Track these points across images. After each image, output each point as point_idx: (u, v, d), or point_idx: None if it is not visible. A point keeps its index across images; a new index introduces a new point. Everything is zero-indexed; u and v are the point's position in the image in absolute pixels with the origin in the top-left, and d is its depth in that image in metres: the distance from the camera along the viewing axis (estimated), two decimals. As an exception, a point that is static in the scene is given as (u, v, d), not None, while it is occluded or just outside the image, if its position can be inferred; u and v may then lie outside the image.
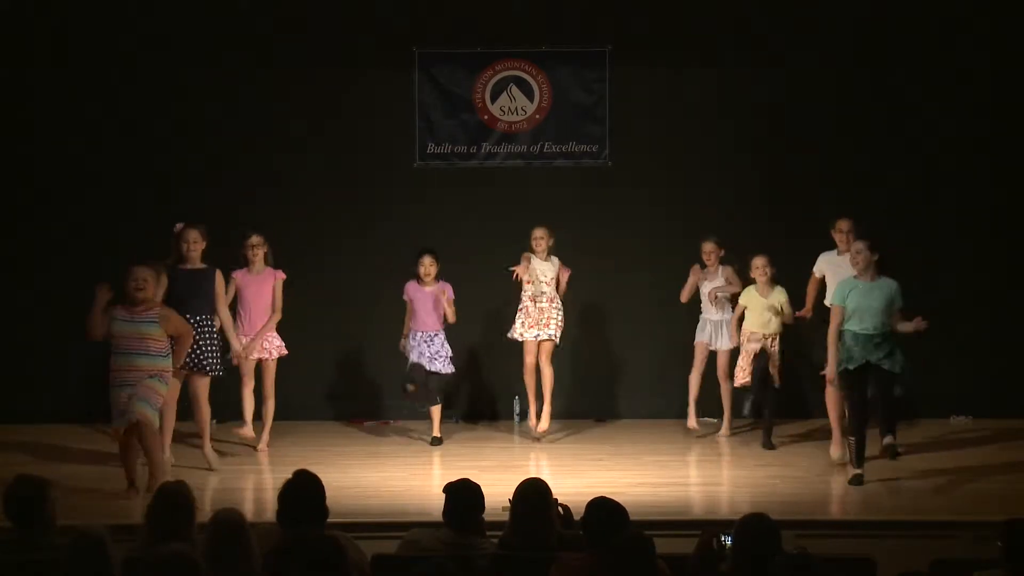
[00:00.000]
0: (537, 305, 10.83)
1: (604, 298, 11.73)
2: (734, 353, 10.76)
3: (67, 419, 11.33)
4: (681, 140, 11.90)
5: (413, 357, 10.68)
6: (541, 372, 10.90)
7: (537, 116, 12.03)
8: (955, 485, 9.16)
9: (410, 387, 10.69)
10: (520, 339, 10.87)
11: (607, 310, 11.82)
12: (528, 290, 10.83)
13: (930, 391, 11.35)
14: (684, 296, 10.97)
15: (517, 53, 12.01)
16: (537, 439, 10.88)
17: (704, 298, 10.92)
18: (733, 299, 10.79)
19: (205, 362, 9.72)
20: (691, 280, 10.92)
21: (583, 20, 11.86)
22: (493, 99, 12.01)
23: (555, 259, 10.91)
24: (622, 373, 12.05)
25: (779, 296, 10.49)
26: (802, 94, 11.83)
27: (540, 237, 10.85)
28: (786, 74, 11.81)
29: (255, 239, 10.36)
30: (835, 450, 9.92)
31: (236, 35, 11.76)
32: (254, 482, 9.62)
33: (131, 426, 8.80)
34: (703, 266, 10.92)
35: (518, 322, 10.87)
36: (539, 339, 10.82)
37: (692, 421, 10.97)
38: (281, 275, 10.42)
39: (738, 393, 10.85)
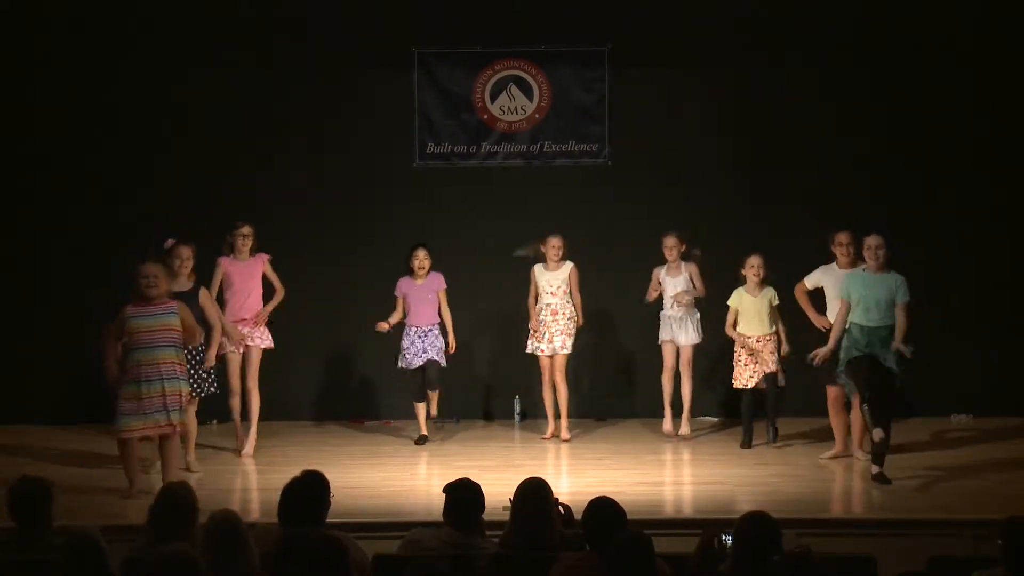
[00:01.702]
0: (540, 318, 10.88)
1: (604, 297, 11.71)
2: (697, 348, 10.88)
3: (66, 420, 11.33)
4: (681, 139, 11.90)
5: (416, 361, 10.71)
6: (556, 387, 10.97)
7: (537, 115, 12.03)
8: (956, 484, 9.16)
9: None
10: (528, 351, 10.96)
11: (607, 309, 11.81)
12: (538, 301, 10.90)
13: (931, 389, 11.36)
14: (651, 297, 10.98)
15: (516, 52, 12.01)
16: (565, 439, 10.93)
17: (665, 296, 10.93)
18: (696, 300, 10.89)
19: (197, 387, 9.72)
20: (653, 281, 10.95)
21: (582, 19, 11.86)
22: (493, 99, 12.02)
23: (568, 264, 10.93)
24: (622, 372, 12.06)
25: (769, 295, 10.49)
26: (802, 94, 11.82)
27: (557, 246, 10.83)
28: (786, 74, 11.81)
29: (247, 229, 10.31)
30: (835, 451, 10.00)
31: (236, 35, 11.76)
32: (257, 482, 9.61)
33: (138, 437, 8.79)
34: (665, 261, 10.92)
35: (530, 335, 10.95)
36: (545, 354, 10.88)
37: (668, 424, 10.98)
38: (266, 256, 10.40)
39: (734, 394, 10.85)
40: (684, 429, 10.97)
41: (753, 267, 10.48)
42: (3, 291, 11.71)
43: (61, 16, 11.71)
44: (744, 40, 11.75)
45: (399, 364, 10.84)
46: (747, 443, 10.49)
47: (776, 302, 10.48)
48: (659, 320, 10.97)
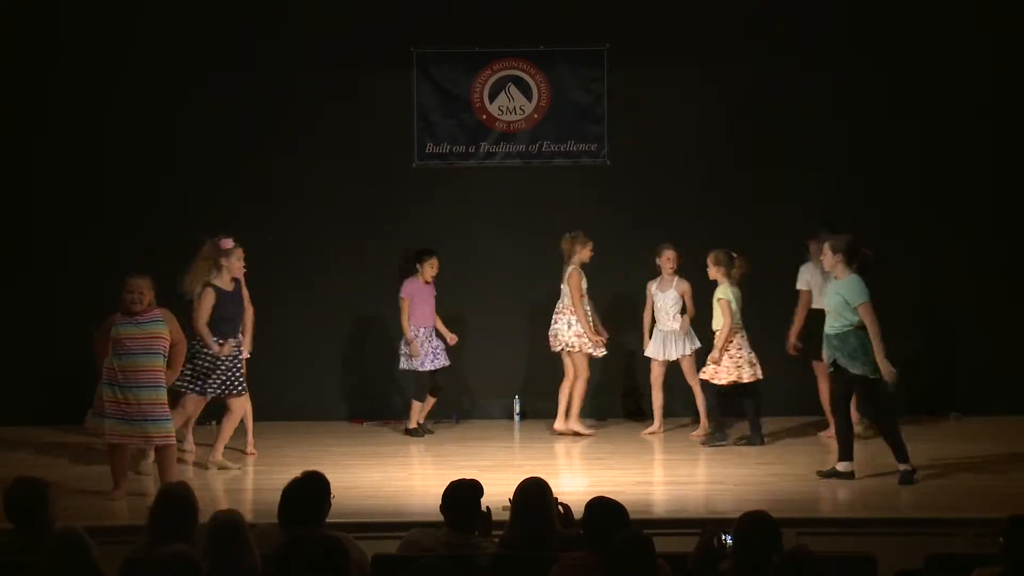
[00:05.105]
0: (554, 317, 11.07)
1: (603, 297, 11.71)
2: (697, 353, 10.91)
3: (64, 421, 11.33)
4: (680, 139, 11.90)
5: (427, 363, 10.90)
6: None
7: (536, 115, 12.03)
8: (955, 482, 9.17)
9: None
10: (599, 355, 11.11)
11: (606, 309, 11.79)
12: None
13: (929, 388, 11.36)
14: (647, 319, 11.05)
15: (515, 52, 12.01)
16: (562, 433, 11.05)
17: (659, 311, 10.96)
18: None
19: (224, 387, 9.77)
20: (648, 298, 11.05)
21: (581, 19, 11.85)
22: (491, 99, 12.02)
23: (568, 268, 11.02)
24: (622, 372, 12.06)
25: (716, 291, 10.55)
26: (802, 94, 11.82)
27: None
28: (786, 74, 11.79)
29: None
30: None
31: (236, 35, 11.75)
32: (257, 483, 9.61)
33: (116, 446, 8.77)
34: (656, 274, 11.00)
35: (591, 339, 11.05)
36: (596, 357, 11.05)
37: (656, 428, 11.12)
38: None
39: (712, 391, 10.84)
40: (701, 431, 10.93)
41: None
42: (3, 293, 11.72)
43: (61, 20, 11.70)
44: (744, 40, 11.73)
45: (403, 366, 10.88)
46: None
47: (720, 297, 10.48)
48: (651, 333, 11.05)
